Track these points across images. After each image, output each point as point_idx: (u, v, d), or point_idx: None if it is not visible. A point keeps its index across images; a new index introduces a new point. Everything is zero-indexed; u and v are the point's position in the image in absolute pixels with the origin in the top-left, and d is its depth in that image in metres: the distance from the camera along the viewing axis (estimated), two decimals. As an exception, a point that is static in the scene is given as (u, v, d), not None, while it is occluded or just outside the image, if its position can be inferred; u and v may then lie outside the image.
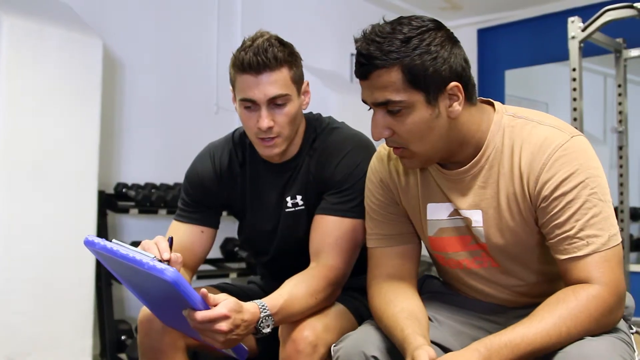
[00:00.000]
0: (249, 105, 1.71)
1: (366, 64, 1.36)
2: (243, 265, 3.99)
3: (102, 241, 1.45)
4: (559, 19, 4.34)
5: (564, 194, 1.35)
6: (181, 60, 4.18)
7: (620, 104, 4.36)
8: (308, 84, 1.82)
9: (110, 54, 3.74)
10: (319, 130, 1.85)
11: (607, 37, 4.26)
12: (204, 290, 1.40)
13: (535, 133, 1.41)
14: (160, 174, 3.98)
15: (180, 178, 3.95)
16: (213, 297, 1.42)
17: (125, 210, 3.63)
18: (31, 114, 3.09)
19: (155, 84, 4.05)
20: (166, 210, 3.67)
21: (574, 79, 3.94)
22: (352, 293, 1.81)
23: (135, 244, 3.67)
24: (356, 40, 1.39)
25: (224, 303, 1.41)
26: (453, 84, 1.37)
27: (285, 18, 4.65)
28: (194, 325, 1.41)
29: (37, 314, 3.07)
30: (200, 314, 1.38)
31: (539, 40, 5.47)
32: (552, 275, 1.52)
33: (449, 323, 1.58)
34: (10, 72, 3.02)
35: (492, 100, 1.51)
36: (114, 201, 3.60)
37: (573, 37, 3.89)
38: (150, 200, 3.63)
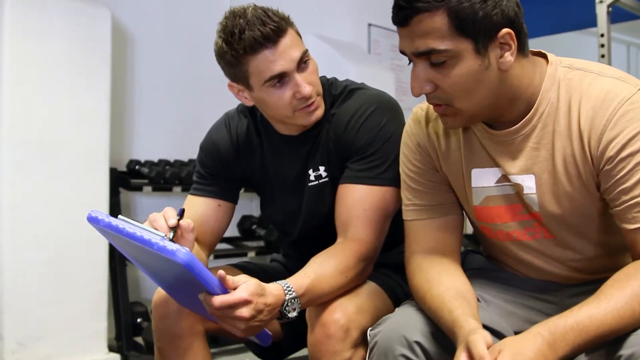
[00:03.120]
0: (278, 81, 1.53)
1: (406, 7, 1.18)
2: (261, 243, 3.84)
3: (106, 217, 1.30)
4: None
5: (632, 154, 1.18)
6: (193, 31, 4.00)
7: (650, 70, 4.18)
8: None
9: (119, 25, 3.58)
10: (336, 93, 1.68)
11: (635, 2, 4.07)
12: (221, 272, 1.24)
13: (596, 85, 1.23)
14: (174, 150, 3.84)
15: (194, 154, 3.86)
16: (232, 279, 1.26)
17: (138, 188, 3.49)
18: (37, 90, 2.96)
19: (167, 57, 3.89)
20: (181, 187, 3.53)
21: (602, 45, 3.76)
22: (383, 270, 1.65)
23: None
24: None
25: (244, 286, 1.26)
26: (505, 30, 1.19)
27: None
28: (211, 311, 1.26)
29: (49, 297, 2.96)
30: (218, 299, 1.23)
31: (563, 7, 5.27)
32: (613, 248, 1.35)
33: (497, 303, 1.41)
34: (14, 46, 2.89)
35: (544, 51, 1.33)
36: (127, 179, 3.46)
37: (601, 1, 3.71)
38: (164, 177, 3.48)
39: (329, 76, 1.74)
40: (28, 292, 2.89)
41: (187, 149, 3.86)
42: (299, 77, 1.53)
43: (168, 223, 1.33)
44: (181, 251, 1.16)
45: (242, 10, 1.53)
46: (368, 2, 4.91)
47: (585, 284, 1.39)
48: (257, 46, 1.49)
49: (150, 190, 3.51)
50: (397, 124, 1.57)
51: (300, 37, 1.59)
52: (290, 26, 1.54)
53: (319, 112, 1.60)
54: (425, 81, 1.23)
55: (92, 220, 1.32)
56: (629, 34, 6.24)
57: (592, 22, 3.69)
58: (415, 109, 1.48)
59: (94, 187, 3.13)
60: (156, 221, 1.35)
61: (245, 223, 3.90)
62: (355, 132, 1.60)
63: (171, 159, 3.76)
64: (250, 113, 1.76)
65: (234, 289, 1.25)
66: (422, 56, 1.21)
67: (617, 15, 3.96)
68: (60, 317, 2.99)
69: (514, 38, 1.21)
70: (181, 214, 1.39)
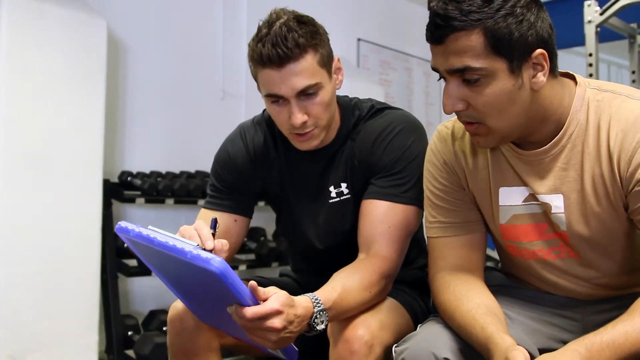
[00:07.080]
0: (276, 100, 1.54)
1: (443, 25, 1.19)
2: (252, 256, 3.83)
3: (136, 228, 1.29)
4: (571, 3, 4.22)
5: None
6: (186, 44, 4.01)
7: (636, 91, 4.24)
8: (339, 59, 1.63)
9: (113, 35, 3.55)
10: (361, 113, 1.68)
11: (621, 22, 4.14)
12: (253, 282, 1.24)
13: (626, 108, 1.25)
14: (165, 162, 3.83)
15: (186, 166, 3.86)
16: (263, 290, 1.26)
17: (131, 200, 3.46)
18: (32, 99, 2.94)
19: (160, 68, 3.89)
20: (173, 199, 3.52)
21: (590, 65, 3.81)
22: (401, 286, 1.65)
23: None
24: (430, 0, 1.22)
25: (275, 297, 1.25)
26: (539, 51, 1.21)
27: (291, 2, 4.48)
28: (243, 323, 1.24)
29: (40, 310, 2.93)
30: (251, 310, 1.22)
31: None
32: (634, 266, 1.38)
33: (521, 320, 1.42)
34: (10, 55, 2.87)
35: (571, 72, 1.36)
36: (120, 190, 3.43)
37: (589, 22, 3.76)
38: (157, 189, 3.46)
39: None
40: (20, 306, 2.86)
41: (178, 161, 3.85)
42: (295, 106, 1.52)
43: (205, 246, 1.29)
44: (216, 259, 1.15)
45: (275, 17, 1.51)
46: (357, 17, 4.94)
47: (607, 300, 1.41)
48: (263, 62, 1.49)
49: (142, 202, 3.49)
50: (422, 145, 1.59)
51: (326, 63, 1.55)
52: (306, 54, 1.49)
53: (313, 143, 1.59)
54: (458, 99, 1.25)
55: (121, 230, 1.31)
56: (610, 53, 6.35)
57: (577, 42, 3.74)
58: (440, 128, 1.49)
59: (87, 199, 3.11)
60: (191, 238, 1.32)
61: (235, 236, 3.88)
62: (382, 150, 1.61)
63: (162, 170, 3.74)
64: (267, 125, 1.75)
65: (265, 300, 1.25)
66: (456, 74, 1.23)
67: (602, 35, 4.04)
68: (52, 330, 2.96)
69: (547, 59, 1.23)
70: (214, 225, 1.37)
